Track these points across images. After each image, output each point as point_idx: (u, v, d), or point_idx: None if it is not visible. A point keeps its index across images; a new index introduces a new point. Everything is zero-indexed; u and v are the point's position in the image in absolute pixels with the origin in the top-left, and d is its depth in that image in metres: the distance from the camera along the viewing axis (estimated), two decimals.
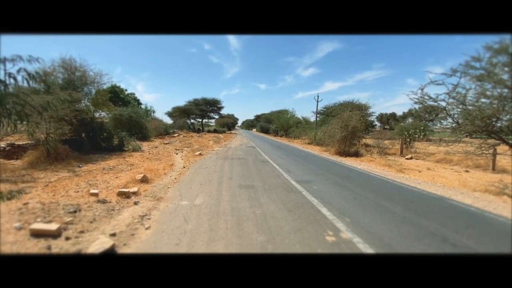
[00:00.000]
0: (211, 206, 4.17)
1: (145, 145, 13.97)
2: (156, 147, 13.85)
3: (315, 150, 16.40)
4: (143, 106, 31.77)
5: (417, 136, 15.34)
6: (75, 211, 3.61)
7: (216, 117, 52.51)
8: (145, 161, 8.65)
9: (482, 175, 8.22)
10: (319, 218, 3.69)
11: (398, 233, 3.19)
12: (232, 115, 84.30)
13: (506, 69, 5.33)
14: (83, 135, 10.26)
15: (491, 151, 6.99)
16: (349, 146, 13.25)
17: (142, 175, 5.80)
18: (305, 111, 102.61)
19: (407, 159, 12.47)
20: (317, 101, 26.97)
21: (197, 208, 4.06)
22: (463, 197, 5.21)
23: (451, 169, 9.70)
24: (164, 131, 24.69)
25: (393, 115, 56.68)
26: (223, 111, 52.54)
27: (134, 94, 35.53)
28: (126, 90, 32.68)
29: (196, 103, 44.33)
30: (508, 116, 5.83)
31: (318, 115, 28.93)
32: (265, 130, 54.46)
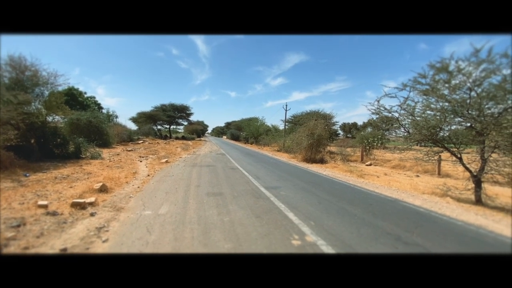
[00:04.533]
0: (177, 215, 4.02)
1: (105, 152, 13.00)
2: (118, 154, 12.98)
3: (283, 157, 16.79)
4: (104, 111, 29.73)
5: (375, 144, 16.63)
6: (18, 225, 3.21)
7: (185, 123, 51.06)
8: (105, 169, 8.04)
9: (430, 179, 9.16)
10: (286, 223, 3.77)
11: (358, 234, 3.40)
12: (202, 122, 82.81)
13: (446, 85, 6.10)
14: (33, 141, 9.20)
15: (436, 157, 7.84)
16: (315, 153, 13.84)
17: (100, 184, 5.38)
18: (275, 119, 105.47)
19: (367, 165, 13.40)
20: (286, 110, 27.83)
21: (162, 217, 3.88)
22: (414, 199, 5.75)
23: (404, 174, 10.66)
24: (128, 138, 23.27)
25: (354, 124, 60.79)
26: (192, 118, 51.37)
27: (94, 97, 33.11)
28: (85, 93, 30.36)
29: (163, 108, 42.68)
30: (448, 127, 6.63)
31: (286, 123, 29.80)
32: (235, 138, 54.40)
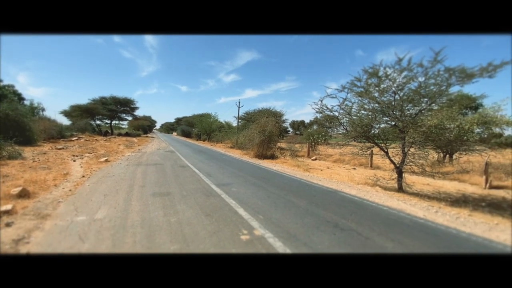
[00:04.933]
0: (117, 219, 3.67)
1: (28, 151, 11.03)
2: (44, 153, 11.15)
3: (236, 153, 16.87)
4: (27, 102, 25.13)
5: (320, 140, 18.02)
6: None
7: (130, 118, 46.77)
8: (27, 171, 6.82)
9: (364, 171, 10.37)
10: (235, 219, 3.80)
11: (302, 224, 3.65)
12: (149, 117, 77.13)
13: (376, 88, 6.95)
14: None
15: (369, 152, 8.91)
16: (266, 150, 14.28)
17: (20, 188, 4.55)
18: (228, 115, 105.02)
19: (312, 160, 14.43)
20: (239, 107, 27.95)
21: (98, 223, 3.50)
22: (350, 190, 6.43)
23: (344, 167, 11.83)
24: (59, 134, 20.19)
25: (302, 122, 64.76)
26: (138, 112, 47.40)
27: (13, 86, 27.59)
28: (0, 80, 25.09)
29: (103, 101, 38.04)
30: (378, 125, 7.59)
31: (239, 120, 29.98)
32: (186, 134, 52.31)
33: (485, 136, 10.55)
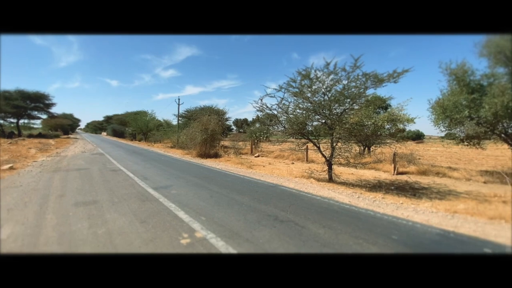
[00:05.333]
0: (25, 237, 3.04)
1: None
2: None
3: (177, 153, 16.06)
4: None
5: (262, 138, 18.70)
6: None
7: (44, 117, 38.99)
8: None
9: (301, 165, 11.24)
10: (175, 223, 3.61)
11: (245, 221, 3.73)
12: (71, 115, 66.21)
13: (309, 89, 7.59)
14: None
15: (304, 147, 9.72)
16: (209, 149, 14.03)
17: None
18: (167, 113, 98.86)
19: (255, 157, 14.88)
20: (179, 104, 26.58)
21: None
22: (289, 183, 6.89)
23: (284, 162, 12.58)
24: None
25: (245, 120, 66.04)
26: (56, 110, 40.00)
27: None
28: None
29: (6, 96, 30.43)
30: (311, 123, 8.32)
31: (180, 118, 28.57)
32: (119, 134, 47.07)
33: (393, 131, 12.77)
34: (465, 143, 9.03)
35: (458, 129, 8.78)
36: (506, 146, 8.36)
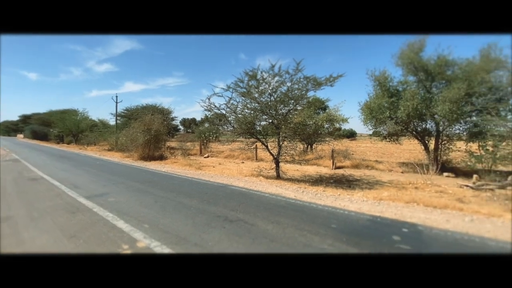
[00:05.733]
0: None
1: None
2: None
3: (116, 157, 14.52)
4: None
5: (211, 138, 18.38)
6: None
7: None
8: None
9: (251, 164, 11.45)
10: (113, 234, 3.26)
11: (193, 224, 3.60)
12: None
13: (256, 90, 7.78)
14: None
15: (253, 146, 9.94)
16: (153, 150, 13.11)
17: None
18: (103, 112, 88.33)
19: (205, 157, 14.54)
20: (116, 102, 23.98)
21: None
22: (239, 182, 6.95)
23: (234, 162, 12.62)
24: None
25: (193, 120, 63.89)
26: None
27: None
28: None
29: None
30: (259, 123, 8.56)
31: (119, 118, 25.88)
32: (40, 136, 40.01)
33: (331, 130, 14.14)
34: (387, 140, 10.58)
35: (382, 128, 10.22)
36: (416, 141, 10.12)
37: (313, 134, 9.64)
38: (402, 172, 9.23)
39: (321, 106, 16.02)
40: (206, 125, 25.19)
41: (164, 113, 17.52)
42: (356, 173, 9.14)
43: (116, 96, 23.69)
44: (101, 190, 5.75)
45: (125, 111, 27.73)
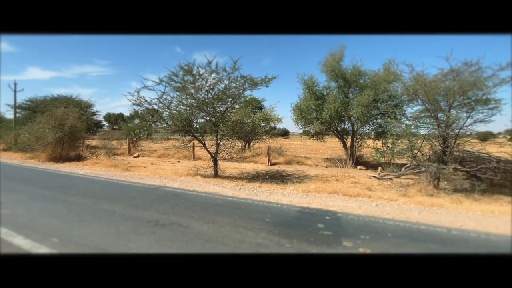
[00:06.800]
0: None
1: None
2: None
3: (15, 158, 11.77)
4: None
5: (142, 135, 16.79)
6: None
7: None
8: None
9: (188, 163, 10.97)
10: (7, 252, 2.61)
11: (117, 233, 3.21)
12: None
13: (192, 85, 7.47)
14: None
15: (190, 144, 9.52)
16: (68, 150, 11.14)
17: None
18: None
19: (135, 157, 13.21)
20: (15, 91, 19.29)
21: None
22: (174, 183, 6.56)
23: (169, 161, 11.88)
24: None
25: (121, 115, 57.14)
26: None
27: None
28: None
29: None
30: (196, 120, 8.26)
31: (19, 110, 20.94)
32: None
33: (267, 128, 14.85)
34: (315, 138, 11.76)
35: (310, 127, 11.29)
36: (337, 139, 11.57)
37: (251, 132, 9.92)
38: (326, 167, 10.41)
39: (257, 105, 16.60)
40: (136, 121, 22.91)
41: (82, 106, 15.03)
42: (289, 168, 9.85)
43: (15, 84, 19.07)
44: None
45: (28, 102, 22.51)
